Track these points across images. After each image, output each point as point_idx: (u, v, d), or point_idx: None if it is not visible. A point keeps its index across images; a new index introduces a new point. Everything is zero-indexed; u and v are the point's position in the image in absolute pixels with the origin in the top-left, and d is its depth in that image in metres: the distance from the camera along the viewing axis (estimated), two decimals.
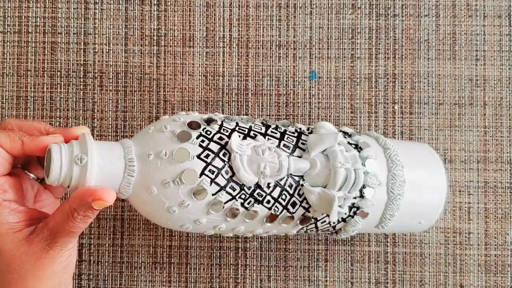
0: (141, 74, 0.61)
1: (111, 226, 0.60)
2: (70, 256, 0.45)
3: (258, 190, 0.46)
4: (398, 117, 0.61)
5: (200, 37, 0.61)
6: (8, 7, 0.61)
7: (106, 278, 0.59)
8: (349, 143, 0.49)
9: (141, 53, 0.61)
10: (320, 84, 0.61)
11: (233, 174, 0.45)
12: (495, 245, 0.60)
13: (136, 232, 0.60)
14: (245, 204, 0.47)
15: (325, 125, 0.50)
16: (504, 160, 0.60)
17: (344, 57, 0.61)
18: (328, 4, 0.61)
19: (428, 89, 0.61)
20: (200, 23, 0.61)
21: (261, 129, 0.48)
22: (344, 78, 0.61)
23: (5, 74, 0.61)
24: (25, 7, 0.61)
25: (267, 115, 0.60)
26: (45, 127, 0.46)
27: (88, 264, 0.59)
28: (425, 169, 0.52)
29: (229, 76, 0.61)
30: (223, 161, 0.45)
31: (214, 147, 0.45)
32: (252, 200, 0.47)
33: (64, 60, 0.61)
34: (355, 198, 0.48)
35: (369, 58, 0.61)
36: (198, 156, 0.45)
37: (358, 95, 0.61)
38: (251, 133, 0.47)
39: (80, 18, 0.61)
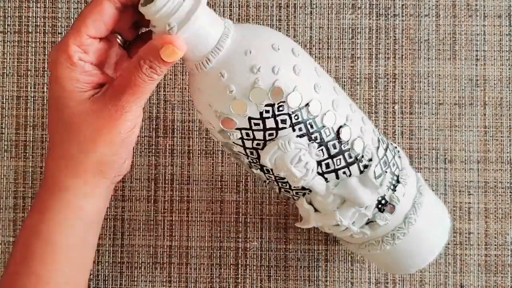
0: None
1: (111, 226, 0.60)
2: (130, 131, 0.43)
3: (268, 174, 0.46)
4: (398, 117, 0.61)
5: None
6: (8, 7, 0.61)
7: (106, 278, 0.59)
8: (390, 181, 0.49)
9: None
10: None
11: (262, 148, 0.45)
12: (495, 245, 0.60)
13: (136, 232, 0.60)
14: (252, 161, 0.47)
15: (373, 180, 0.47)
16: (504, 160, 0.60)
17: (344, 57, 0.61)
18: (328, 4, 0.61)
19: (428, 89, 0.61)
20: None
21: (328, 136, 0.46)
22: (344, 78, 0.61)
23: (5, 74, 0.61)
24: (25, 7, 0.61)
25: None
26: None
27: None
28: (440, 209, 0.53)
29: None
30: (264, 138, 0.44)
31: (271, 123, 0.44)
32: (259, 168, 0.47)
33: None
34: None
35: (369, 58, 0.61)
36: (250, 119, 0.43)
37: (358, 95, 0.61)
38: (314, 135, 0.45)
39: None
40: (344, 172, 0.46)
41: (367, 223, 0.48)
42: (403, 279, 0.60)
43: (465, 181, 0.60)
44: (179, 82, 0.61)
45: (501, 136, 0.60)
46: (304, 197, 0.48)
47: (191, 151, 0.60)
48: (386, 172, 0.48)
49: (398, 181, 0.49)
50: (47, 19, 0.61)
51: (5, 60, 0.61)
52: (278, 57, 0.44)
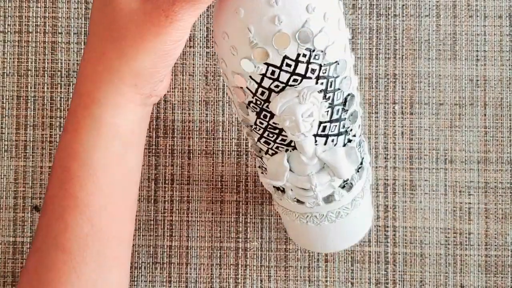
0: None
1: None
2: (177, 43, 0.39)
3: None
4: (399, 117, 0.61)
5: (200, 37, 0.61)
6: (8, 6, 0.61)
7: None
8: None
9: None
10: None
11: (278, 93, 0.43)
12: (496, 245, 0.60)
13: (136, 232, 0.60)
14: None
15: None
16: (504, 160, 0.60)
17: None
18: None
19: (429, 89, 0.61)
20: (200, 23, 0.61)
21: (339, 98, 0.44)
22: None
23: (5, 73, 0.61)
24: (25, 6, 0.61)
25: None
26: None
27: None
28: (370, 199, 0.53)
29: None
30: (289, 79, 0.42)
31: (302, 68, 0.41)
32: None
33: (65, 60, 0.61)
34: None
35: (370, 58, 0.61)
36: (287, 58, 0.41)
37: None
38: (329, 92, 0.44)
39: (81, 18, 0.61)
40: (332, 140, 0.46)
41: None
42: (403, 279, 0.60)
43: (465, 182, 0.60)
44: (179, 82, 0.61)
45: (502, 137, 0.60)
46: (286, 153, 0.46)
47: (191, 151, 0.60)
48: (359, 152, 0.48)
49: (361, 163, 0.49)
50: (47, 19, 0.61)
51: (5, 60, 0.61)
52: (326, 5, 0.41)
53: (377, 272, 0.60)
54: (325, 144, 0.46)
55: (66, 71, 0.61)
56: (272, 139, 0.46)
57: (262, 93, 0.43)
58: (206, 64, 0.61)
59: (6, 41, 0.61)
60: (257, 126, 0.46)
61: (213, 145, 0.60)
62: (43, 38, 0.61)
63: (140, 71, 0.40)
